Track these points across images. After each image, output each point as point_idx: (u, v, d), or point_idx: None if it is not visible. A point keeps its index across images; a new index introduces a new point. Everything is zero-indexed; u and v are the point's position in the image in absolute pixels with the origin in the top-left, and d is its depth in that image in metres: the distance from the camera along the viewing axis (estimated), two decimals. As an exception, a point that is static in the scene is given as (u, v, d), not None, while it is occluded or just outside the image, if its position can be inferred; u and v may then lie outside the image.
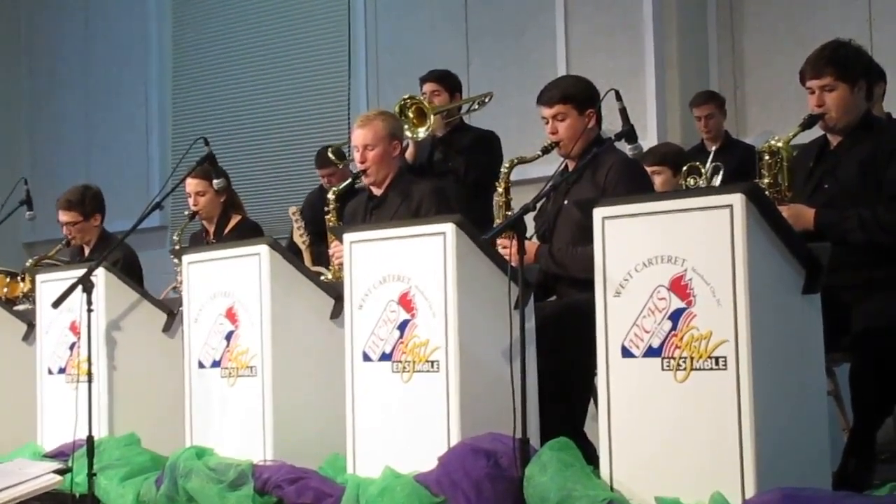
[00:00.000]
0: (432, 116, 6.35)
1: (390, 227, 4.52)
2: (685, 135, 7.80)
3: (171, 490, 4.81)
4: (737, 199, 3.50)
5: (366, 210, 5.49)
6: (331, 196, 5.66)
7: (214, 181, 5.97)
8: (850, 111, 4.39)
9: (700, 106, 7.41)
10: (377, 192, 5.45)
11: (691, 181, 6.29)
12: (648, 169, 6.10)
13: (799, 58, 4.53)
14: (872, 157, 4.32)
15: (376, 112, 5.67)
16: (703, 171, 6.41)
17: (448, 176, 6.39)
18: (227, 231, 6.48)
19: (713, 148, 7.25)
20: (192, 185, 6.42)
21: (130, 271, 6.47)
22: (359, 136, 5.39)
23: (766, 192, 4.33)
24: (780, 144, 4.41)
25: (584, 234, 4.02)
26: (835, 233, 4.19)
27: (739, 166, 6.60)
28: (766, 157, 4.42)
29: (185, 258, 5.19)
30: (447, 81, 6.73)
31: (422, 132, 6.33)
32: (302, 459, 4.62)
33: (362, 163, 5.38)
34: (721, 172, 6.53)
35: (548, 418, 4.26)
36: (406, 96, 6.42)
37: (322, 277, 5.38)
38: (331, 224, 5.59)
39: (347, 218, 5.59)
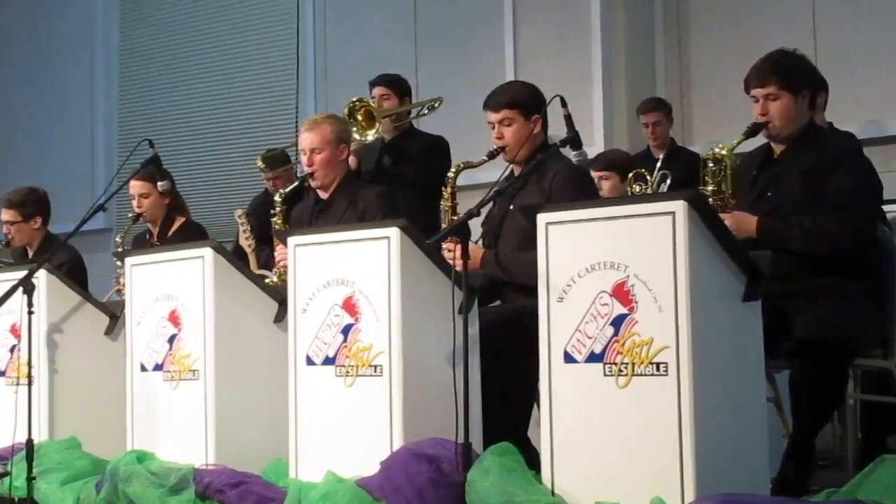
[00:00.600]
0: (381, 120, 6.34)
1: (335, 230, 4.51)
2: (632, 142, 7.84)
3: (112, 494, 4.77)
4: (679, 207, 3.51)
5: (312, 214, 5.48)
6: (277, 198, 5.65)
7: (159, 183, 5.93)
8: (794, 120, 4.42)
9: (647, 112, 7.43)
10: (324, 195, 5.44)
11: (637, 188, 6.32)
12: (596, 174, 6.14)
13: (744, 67, 4.56)
14: (815, 167, 4.35)
15: (324, 115, 5.67)
16: (649, 178, 6.45)
17: (396, 181, 6.38)
18: (171, 233, 6.45)
19: (660, 155, 7.28)
20: (135, 187, 6.39)
21: (76, 274, 6.42)
22: (306, 139, 5.39)
23: (710, 200, 4.36)
24: (723, 152, 4.44)
25: (530, 239, 4.03)
26: (776, 241, 4.22)
27: (686, 174, 6.63)
28: (710, 165, 4.45)
29: (128, 260, 5.15)
30: (397, 85, 6.73)
31: (370, 135, 6.32)
32: (244, 464, 4.59)
33: (309, 166, 5.37)
34: (668, 180, 6.57)
35: (491, 423, 4.26)
36: (355, 98, 6.41)
37: (267, 280, 5.36)
38: (277, 226, 5.58)
39: (294, 221, 5.57)
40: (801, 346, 4.06)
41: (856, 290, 4.24)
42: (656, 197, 4.34)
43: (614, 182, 6.42)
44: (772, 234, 4.27)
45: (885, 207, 5.09)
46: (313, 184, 5.43)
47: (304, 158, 5.41)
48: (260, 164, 7.30)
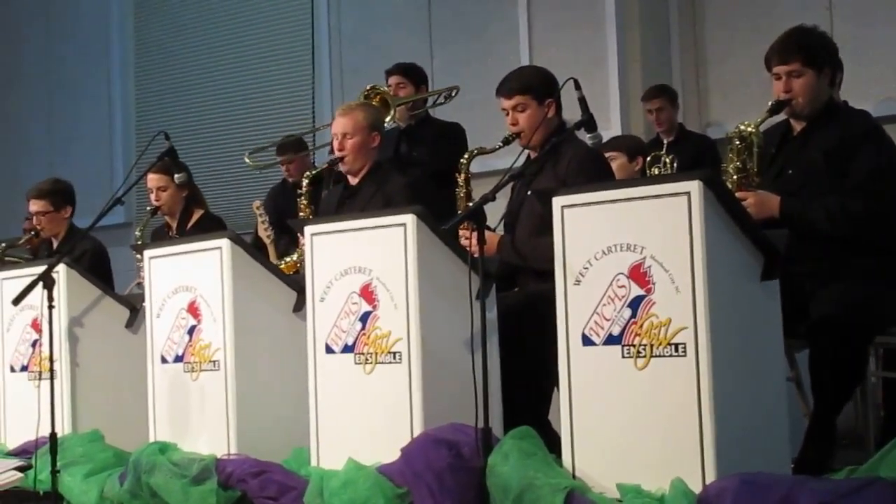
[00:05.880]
0: (395, 107, 6.35)
1: (351, 218, 4.51)
2: (648, 126, 7.82)
3: (135, 486, 4.79)
4: (694, 187, 3.50)
5: (340, 200, 5.49)
6: (304, 181, 5.67)
7: (175, 176, 5.94)
8: (817, 97, 4.40)
9: (650, 100, 7.43)
10: (353, 181, 5.46)
11: (655, 171, 6.30)
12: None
13: (759, 48, 4.55)
14: (838, 145, 4.33)
15: (358, 102, 5.75)
16: (666, 160, 6.42)
17: (415, 168, 6.39)
18: (189, 226, 6.45)
19: (666, 142, 7.26)
20: (153, 180, 6.40)
21: (98, 263, 6.48)
22: (338, 124, 5.41)
23: (735, 177, 4.35)
24: (750, 129, 4.41)
25: (546, 224, 4.02)
26: (800, 222, 4.20)
27: (696, 157, 6.62)
28: (736, 142, 4.41)
29: (147, 253, 5.17)
30: (412, 74, 6.75)
31: (385, 123, 6.33)
32: (266, 453, 4.61)
33: (340, 150, 5.38)
34: (675, 165, 6.54)
35: (511, 408, 4.26)
36: (369, 86, 6.42)
37: (287, 260, 5.40)
38: (303, 208, 5.60)
39: (322, 207, 5.60)
40: (819, 325, 4.04)
41: (874, 268, 4.22)
42: (671, 177, 4.32)
43: (622, 162, 6.40)
44: (795, 216, 4.24)
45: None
46: (342, 168, 5.45)
47: (335, 143, 5.42)
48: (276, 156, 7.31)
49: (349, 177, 5.47)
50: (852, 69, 5.98)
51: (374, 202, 5.29)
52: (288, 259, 5.64)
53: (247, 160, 7.29)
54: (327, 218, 4.90)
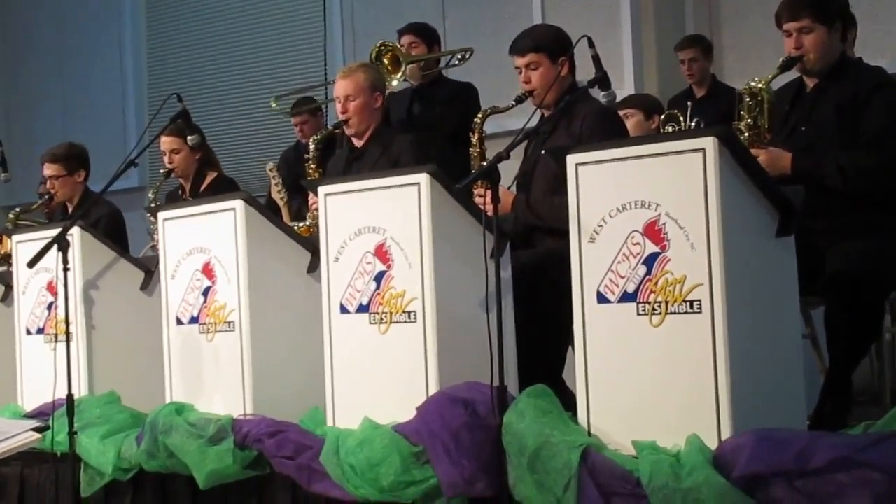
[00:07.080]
0: (406, 65, 6.33)
1: (364, 178, 4.50)
2: (662, 84, 7.80)
3: (152, 447, 4.81)
4: (709, 143, 3.48)
5: (347, 163, 5.49)
6: (312, 144, 5.67)
7: (188, 137, 5.93)
8: (828, 53, 4.39)
9: (684, 49, 7.40)
10: (358, 143, 5.46)
11: (670, 129, 6.27)
12: (620, 112, 6.09)
13: (774, 6, 4.53)
14: (850, 101, 4.32)
15: (358, 64, 5.72)
16: (682, 119, 6.39)
17: (426, 128, 6.38)
18: (202, 188, 6.45)
19: (698, 96, 7.21)
20: (166, 142, 6.40)
21: (114, 229, 6.47)
22: (340, 86, 5.41)
23: (746, 135, 4.34)
24: (760, 86, 4.40)
25: (560, 183, 4.01)
26: (812, 178, 4.19)
27: (729, 111, 6.56)
28: (747, 99, 4.40)
29: (161, 215, 5.16)
30: (425, 34, 6.72)
31: (395, 80, 6.31)
32: (282, 413, 4.62)
33: (343, 113, 5.38)
34: (702, 125, 6.50)
35: (526, 367, 4.27)
36: (380, 42, 6.39)
37: (301, 225, 5.40)
38: (311, 171, 5.60)
39: (329, 171, 5.60)
40: (834, 282, 4.04)
41: (889, 224, 4.21)
42: (686, 134, 4.30)
43: (638, 119, 6.38)
44: (807, 171, 4.23)
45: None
46: (348, 131, 5.45)
47: (338, 106, 5.42)
48: (273, 104, 7.27)
49: (354, 139, 5.46)
50: (867, 26, 5.95)
51: (380, 164, 5.29)
52: (301, 224, 5.64)
53: (272, 104, 7.26)
54: (341, 178, 4.89)
